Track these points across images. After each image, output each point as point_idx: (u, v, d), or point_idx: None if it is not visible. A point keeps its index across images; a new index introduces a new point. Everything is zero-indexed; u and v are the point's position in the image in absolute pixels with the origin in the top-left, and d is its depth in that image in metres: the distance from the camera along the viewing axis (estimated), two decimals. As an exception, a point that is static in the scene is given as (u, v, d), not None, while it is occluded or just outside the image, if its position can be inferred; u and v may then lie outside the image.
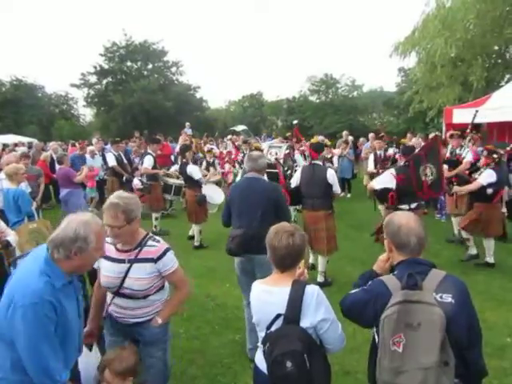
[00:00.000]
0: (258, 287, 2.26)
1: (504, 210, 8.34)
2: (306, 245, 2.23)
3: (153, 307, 2.65)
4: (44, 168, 10.09)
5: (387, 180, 5.48)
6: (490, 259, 6.05)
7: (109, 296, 2.68)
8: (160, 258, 2.55)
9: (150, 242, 2.58)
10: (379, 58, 50.48)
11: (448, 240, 7.32)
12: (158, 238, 2.67)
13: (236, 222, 3.88)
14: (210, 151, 11.05)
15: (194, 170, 7.41)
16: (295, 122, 9.72)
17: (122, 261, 2.55)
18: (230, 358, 3.91)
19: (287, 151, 9.11)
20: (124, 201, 2.45)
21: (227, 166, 11.23)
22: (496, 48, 14.44)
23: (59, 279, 2.00)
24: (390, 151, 8.98)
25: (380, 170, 7.82)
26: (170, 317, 2.77)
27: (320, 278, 5.62)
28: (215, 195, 7.75)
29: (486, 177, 5.77)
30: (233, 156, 11.42)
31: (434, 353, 1.73)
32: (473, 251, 6.23)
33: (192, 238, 7.66)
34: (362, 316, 2.02)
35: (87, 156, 10.66)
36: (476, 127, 8.02)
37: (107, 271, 2.57)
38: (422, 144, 8.99)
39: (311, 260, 6.04)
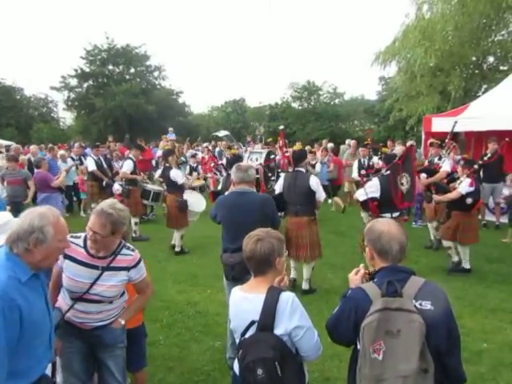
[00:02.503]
0: (237, 293, 2.23)
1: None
2: (278, 253, 2.15)
3: (117, 309, 2.64)
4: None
5: (372, 190, 5.51)
6: (466, 265, 6.13)
7: (65, 302, 2.57)
8: (134, 266, 2.59)
9: (124, 251, 2.58)
10: (360, 66, 51.07)
11: (426, 246, 7.45)
12: (131, 246, 2.67)
13: (230, 243, 3.65)
14: (193, 156, 11.01)
15: (176, 175, 7.36)
16: (281, 127, 9.63)
17: (95, 267, 2.49)
18: (209, 365, 3.86)
19: (272, 157, 9.07)
20: (118, 213, 2.44)
21: (209, 174, 11.17)
22: (474, 59, 14.80)
23: (24, 273, 1.93)
24: (375, 159, 8.77)
25: (364, 179, 7.85)
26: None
27: (305, 286, 5.53)
28: (197, 203, 7.64)
29: (465, 186, 5.87)
30: (207, 166, 11.33)
31: (413, 360, 1.72)
32: (455, 258, 6.23)
33: (174, 247, 7.41)
34: (348, 329, 1.94)
35: (58, 161, 10.55)
36: (454, 136, 8.15)
37: (76, 275, 2.47)
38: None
39: (293, 274, 5.67)
